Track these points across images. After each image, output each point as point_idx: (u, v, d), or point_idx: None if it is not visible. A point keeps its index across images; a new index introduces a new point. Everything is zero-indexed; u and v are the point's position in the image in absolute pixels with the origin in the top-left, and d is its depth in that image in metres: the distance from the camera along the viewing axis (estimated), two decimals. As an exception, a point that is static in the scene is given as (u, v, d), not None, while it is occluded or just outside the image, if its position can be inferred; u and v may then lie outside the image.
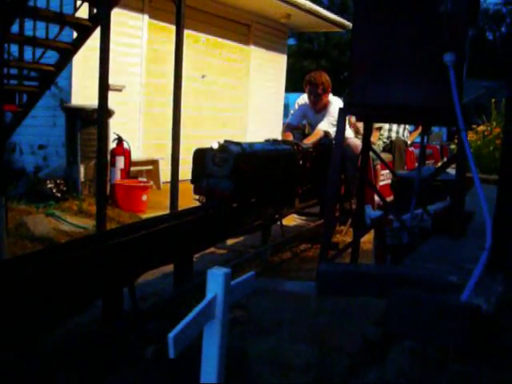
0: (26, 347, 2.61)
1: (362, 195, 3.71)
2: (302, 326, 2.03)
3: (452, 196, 3.40)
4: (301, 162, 5.02)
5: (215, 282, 1.42)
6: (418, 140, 9.12)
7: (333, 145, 5.55)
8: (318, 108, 5.85)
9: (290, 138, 5.67)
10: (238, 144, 4.24)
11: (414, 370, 1.70)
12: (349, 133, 5.87)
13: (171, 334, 1.28)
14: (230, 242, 5.35)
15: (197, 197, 4.27)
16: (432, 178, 3.42)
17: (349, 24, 12.12)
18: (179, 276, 3.68)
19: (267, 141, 5.00)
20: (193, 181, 4.30)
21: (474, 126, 7.73)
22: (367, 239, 4.74)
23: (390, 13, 2.87)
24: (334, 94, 6.06)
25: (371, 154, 5.70)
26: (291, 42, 23.19)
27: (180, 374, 2.45)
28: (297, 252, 5.40)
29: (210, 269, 1.44)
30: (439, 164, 8.57)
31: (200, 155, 4.21)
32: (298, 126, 6.16)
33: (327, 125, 5.66)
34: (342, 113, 3.16)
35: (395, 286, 1.92)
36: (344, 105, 3.62)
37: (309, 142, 5.51)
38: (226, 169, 4.03)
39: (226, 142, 4.24)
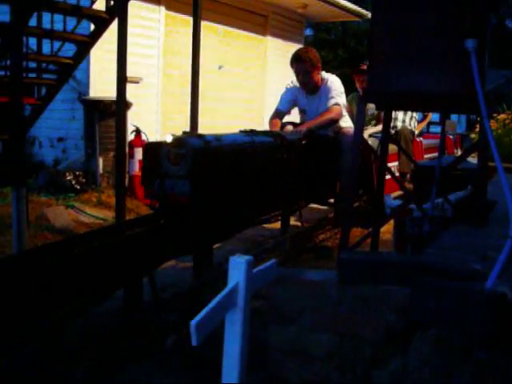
0: (48, 338, 2.64)
1: (382, 184, 3.67)
2: (324, 315, 2.02)
3: (474, 184, 3.36)
4: (285, 157, 4.15)
5: (237, 269, 1.42)
6: (428, 130, 8.86)
7: (328, 135, 4.91)
8: (310, 89, 5.07)
9: (278, 125, 5.00)
10: (201, 136, 3.45)
11: (438, 359, 1.68)
12: (345, 120, 5.22)
13: (194, 322, 1.28)
14: (248, 232, 5.33)
15: (148, 202, 3.61)
16: (453, 166, 3.38)
17: (366, 13, 12.03)
18: (198, 266, 3.67)
19: (242, 131, 4.14)
20: (143, 182, 3.58)
21: (495, 115, 7.62)
22: (386, 229, 4.70)
23: (410, -1, 2.83)
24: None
25: (374, 143, 5.38)
26: (308, 32, 23.01)
27: (200, 363, 2.46)
28: (316, 242, 5.38)
29: (231, 256, 1.43)
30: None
31: (152, 150, 3.43)
32: (287, 112, 5.32)
33: (333, 101, 4.91)
34: (362, 101, 3.12)
35: (418, 274, 1.90)
36: (363, 93, 3.57)
37: (317, 122, 4.82)
38: (184, 167, 3.21)
39: (184, 133, 3.53)
